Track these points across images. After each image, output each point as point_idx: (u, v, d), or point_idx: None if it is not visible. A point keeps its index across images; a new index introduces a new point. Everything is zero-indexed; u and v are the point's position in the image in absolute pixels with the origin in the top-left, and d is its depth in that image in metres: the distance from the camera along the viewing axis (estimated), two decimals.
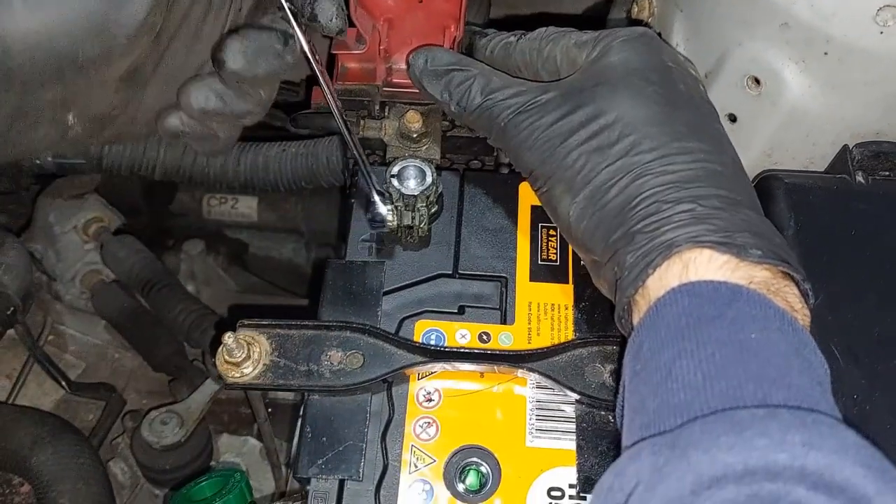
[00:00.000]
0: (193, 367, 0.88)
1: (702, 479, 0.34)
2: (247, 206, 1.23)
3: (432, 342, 0.56)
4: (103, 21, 0.49)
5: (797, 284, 0.43)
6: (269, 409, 0.85)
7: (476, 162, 0.68)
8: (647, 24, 0.69)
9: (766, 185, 0.57)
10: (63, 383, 0.85)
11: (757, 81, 0.59)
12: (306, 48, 0.50)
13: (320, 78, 0.52)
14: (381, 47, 0.60)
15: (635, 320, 0.44)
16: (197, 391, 0.83)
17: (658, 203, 0.43)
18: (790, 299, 0.42)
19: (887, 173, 0.57)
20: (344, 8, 0.54)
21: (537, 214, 0.61)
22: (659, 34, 0.68)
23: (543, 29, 0.54)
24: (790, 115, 0.58)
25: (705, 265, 0.41)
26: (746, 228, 0.43)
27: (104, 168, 0.91)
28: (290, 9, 0.50)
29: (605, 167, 0.45)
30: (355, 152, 0.55)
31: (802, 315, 0.43)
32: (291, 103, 1.12)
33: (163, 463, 0.80)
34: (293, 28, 0.50)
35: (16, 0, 0.45)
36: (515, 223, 0.61)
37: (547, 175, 0.48)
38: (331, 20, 0.52)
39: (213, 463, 0.84)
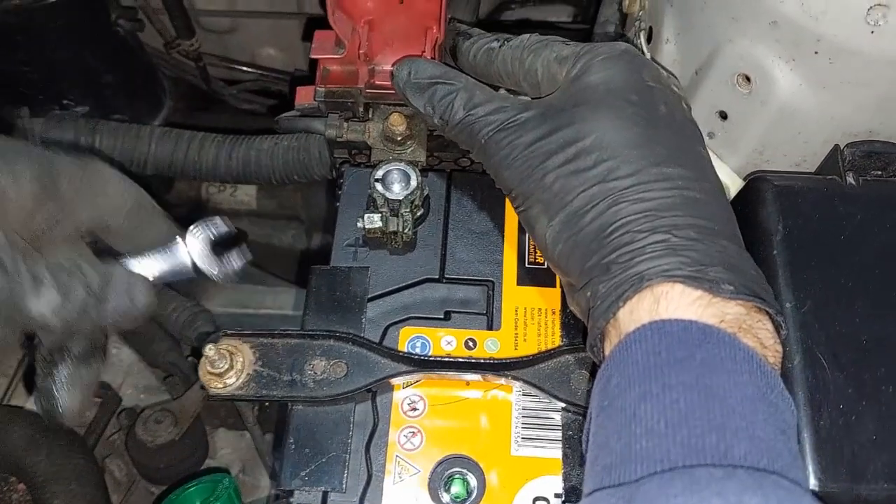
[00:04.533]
0: (188, 363, 0.88)
1: None
2: (245, 194, 1.23)
3: (417, 349, 0.55)
4: None
5: (771, 318, 0.43)
6: (266, 403, 0.85)
7: (464, 160, 0.67)
8: (637, 18, 0.68)
9: (756, 188, 0.55)
10: None
11: (747, 79, 0.58)
12: None
13: None
14: (361, 51, 0.58)
15: (607, 351, 0.44)
16: (191, 389, 0.83)
17: (632, 233, 0.42)
18: (761, 335, 0.41)
19: (879, 173, 0.56)
20: None
21: None
22: (650, 29, 0.67)
23: (526, 36, 0.52)
24: (780, 113, 0.57)
25: (677, 301, 0.41)
26: (721, 262, 0.42)
27: None
28: None
29: (581, 192, 0.44)
30: None
31: (773, 352, 0.42)
32: (280, 93, 1.11)
33: (157, 461, 0.81)
34: None
35: None
36: (502, 226, 0.61)
37: (525, 195, 0.47)
38: None
39: (209, 459, 0.84)
